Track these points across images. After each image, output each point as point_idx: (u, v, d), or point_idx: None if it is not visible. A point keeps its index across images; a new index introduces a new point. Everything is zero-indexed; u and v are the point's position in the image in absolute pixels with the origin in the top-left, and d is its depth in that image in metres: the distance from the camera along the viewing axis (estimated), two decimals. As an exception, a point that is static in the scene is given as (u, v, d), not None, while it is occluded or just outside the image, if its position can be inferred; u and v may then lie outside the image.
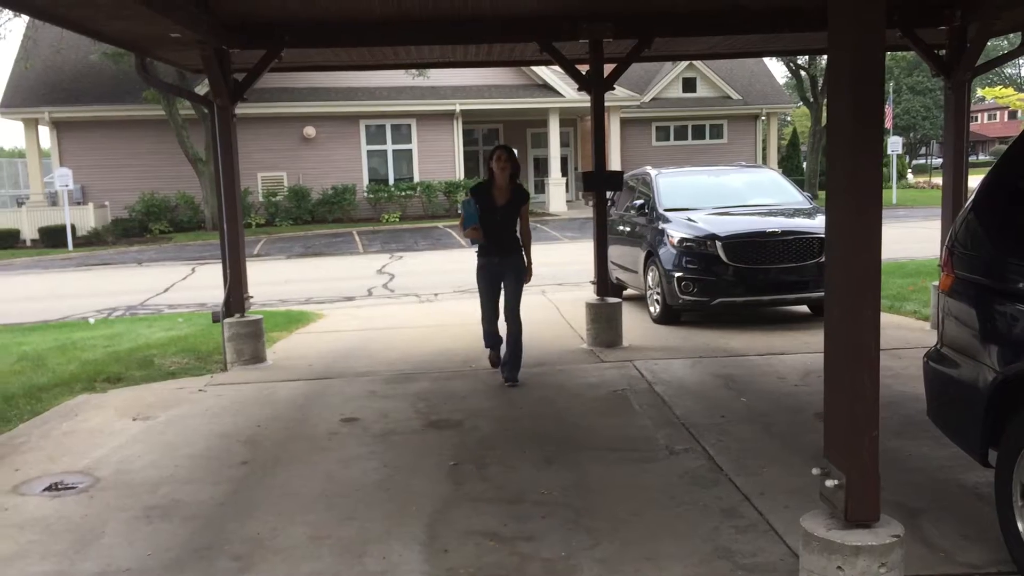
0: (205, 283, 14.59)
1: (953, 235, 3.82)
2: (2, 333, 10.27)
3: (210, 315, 9.62)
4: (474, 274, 6.80)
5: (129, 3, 5.23)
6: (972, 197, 3.80)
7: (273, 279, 14.34)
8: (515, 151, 6.75)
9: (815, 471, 3.09)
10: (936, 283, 7.99)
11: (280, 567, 3.64)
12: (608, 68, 7.98)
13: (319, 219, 25.56)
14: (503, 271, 6.54)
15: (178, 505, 4.37)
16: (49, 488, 4.70)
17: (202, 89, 19.61)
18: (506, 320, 6.56)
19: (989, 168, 3.90)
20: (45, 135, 25.93)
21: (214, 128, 7.68)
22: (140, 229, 24.44)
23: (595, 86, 7.87)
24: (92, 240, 23.31)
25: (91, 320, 11.21)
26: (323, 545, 3.82)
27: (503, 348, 6.78)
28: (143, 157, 25.24)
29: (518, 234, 6.65)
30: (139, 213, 24.65)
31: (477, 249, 6.67)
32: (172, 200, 25.01)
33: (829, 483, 2.99)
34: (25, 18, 24.03)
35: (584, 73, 7.94)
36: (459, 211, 5.88)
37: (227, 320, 7.67)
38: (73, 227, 22.79)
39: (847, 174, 2.88)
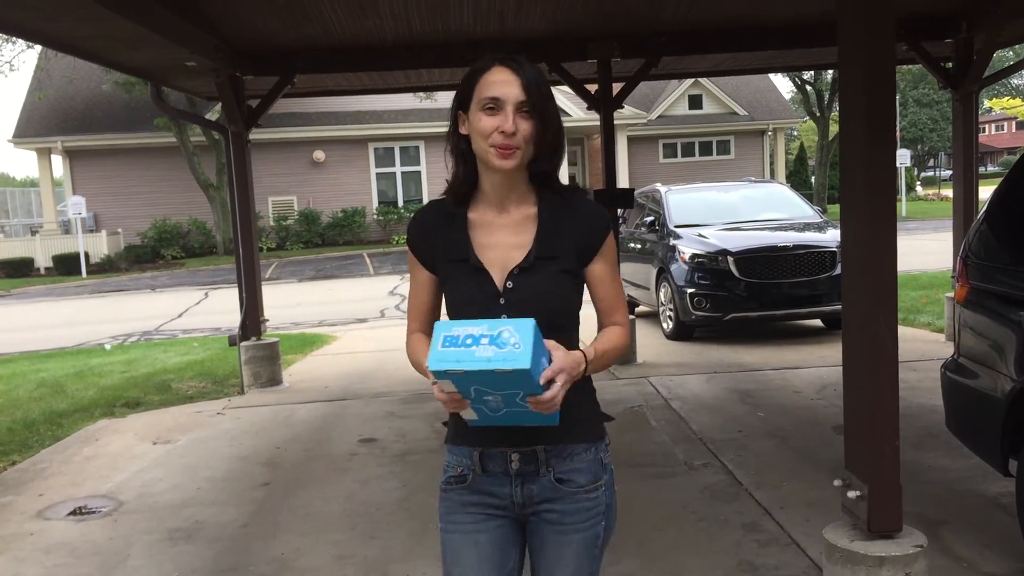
0: (219, 308, 14.68)
1: (967, 245, 3.85)
2: (20, 360, 10.37)
3: (225, 339, 9.68)
4: None
5: (148, 34, 5.34)
6: (985, 207, 3.84)
7: (285, 302, 14.42)
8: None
9: (836, 482, 3.11)
10: (950, 295, 8.02)
11: (305, 587, 3.67)
12: (616, 87, 8.07)
13: (329, 242, 25.70)
14: (535, 523, 1.95)
15: (202, 527, 4.41)
16: (73, 512, 4.74)
17: (213, 115, 19.84)
18: None
19: (1000, 179, 3.93)
20: (58, 164, 26.22)
21: (228, 154, 7.78)
22: (153, 255, 24.63)
23: (604, 105, 7.94)
24: (105, 267, 23.51)
25: (107, 346, 11.29)
26: (348, 564, 3.84)
27: None
28: (155, 184, 25.48)
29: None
30: (151, 239, 24.84)
31: (447, 431, 2.00)
32: (184, 226, 25.21)
33: (851, 494, 3.01)
34: (38, 49, 24.41)
35: (593, 93, 8.02)
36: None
37: (243, 343, 7.73)
38: (87, 254, 22.98)
39: (862, 187, 2.92)
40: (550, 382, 1.68)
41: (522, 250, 1.88)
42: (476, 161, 1.90)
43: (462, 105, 1.90)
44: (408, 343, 2.01)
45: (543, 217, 1.90)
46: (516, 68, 1.84)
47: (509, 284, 1.86)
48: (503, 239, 1.90)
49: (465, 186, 1.94)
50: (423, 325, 2.00)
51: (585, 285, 1.93)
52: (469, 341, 1.65)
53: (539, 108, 1.82)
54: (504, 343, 1.64)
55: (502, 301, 1.84)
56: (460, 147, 1.93)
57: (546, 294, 1.85)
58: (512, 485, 1.91)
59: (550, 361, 1.70)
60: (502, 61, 1.85)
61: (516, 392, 1.66)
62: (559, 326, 1.82)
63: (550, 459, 1.89)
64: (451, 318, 1.92)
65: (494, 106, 1.81)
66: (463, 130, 1.91)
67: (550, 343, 1.72)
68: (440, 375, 1.66)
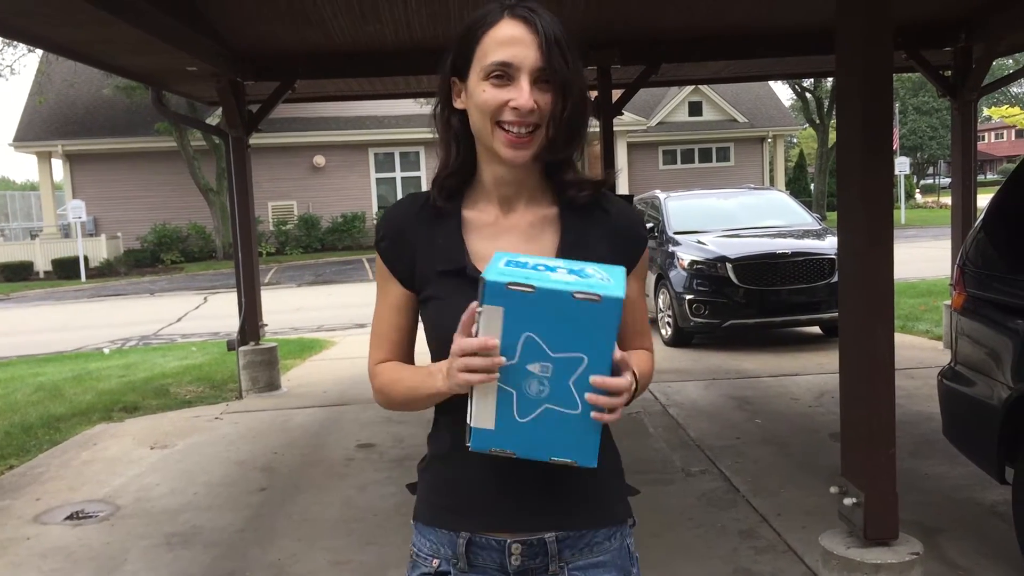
0: (217, 312, 14.68)
1: (964, 253, 3.86)
2: (19, 364, 10.36)
3: (223, 344, 9.68)
4: None
5: (150, 39, 5.35)
6: (982, 215, 3.85)
7: (284, 307, 14.41)
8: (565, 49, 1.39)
9: (833, 490, 3.12)
10: (948, 303, 8.02)
11: (302, 592, 3.66)
12: (616, 94, 8.09)
13: (329, 247, 25.72)
14: None
15: (198, 532, 4.40)
16: (70, 517, 4.74)
17: (214, 120, 19.87)
18: None
19: (998, 187, 3.94)
20: (58, 168, 26.23)
21: (228, 158, 7.79)
22: (152, 259, 24.65)
23: (604, 112, 7.96)
24: (105, 271, 23.50)
25: (106, 350, 11.29)
26: (344, 570, 3.84)
27: None
28: (155, 188, 25.52)
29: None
30: (151, 244, 24.87)
31: (417, 503, 1.55)
32: (183, 230, 25.23)
33: (847, 501, 3.02)
34: (39, 53, 24.47)
35: (593, 99, 8.03)
36: None
37: (242, 348, 7.72)
38: (86, 258, 22.99)
39: (858, 196, 2.93)
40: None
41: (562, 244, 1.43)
42: (475, 144, 1.43)
43: (457, 70, 1.42)
44: (379, 374, 1.47)
45: (567, 220, 1.44)
46: (533, 22, 1.35)
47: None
48: (510, 246, 1.41)
49: (457, 176, 1.44)
50: (395, 356, 1.49)
51: None
52: (542, 268, 1.27)
53: (560, 75, 1.34)
54: (588, 276, 1.27)
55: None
56: (454, 125, 1.44)
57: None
58: None
59: None
60: (513, 11, 1.36)
61: (579, 359, 1.24)
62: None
63: (563, 551, 1.37)
64: (434, 348, 1.42)
65: (503, 73, 1.34)
66: (458, 103, 1.42)
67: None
68: (495, 294, 1.20)
